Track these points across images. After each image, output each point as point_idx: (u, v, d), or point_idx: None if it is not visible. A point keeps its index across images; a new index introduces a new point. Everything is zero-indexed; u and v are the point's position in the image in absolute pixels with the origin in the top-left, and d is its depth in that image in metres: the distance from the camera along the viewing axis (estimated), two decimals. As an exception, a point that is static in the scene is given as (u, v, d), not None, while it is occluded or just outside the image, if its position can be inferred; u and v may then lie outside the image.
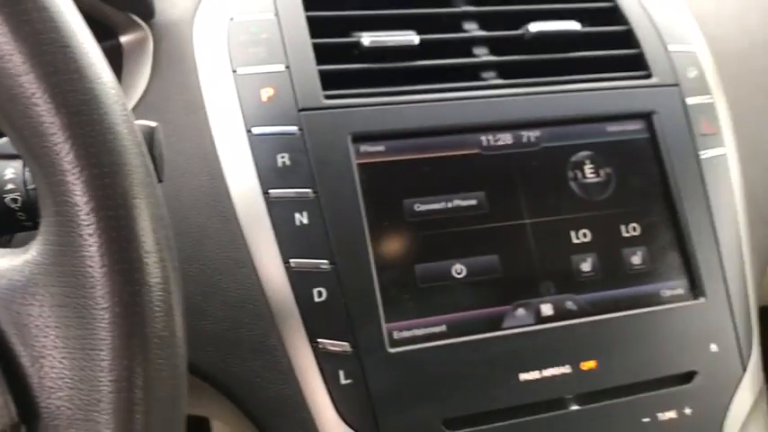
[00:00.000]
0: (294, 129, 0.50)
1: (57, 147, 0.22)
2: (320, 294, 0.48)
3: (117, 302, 0.24)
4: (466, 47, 0.58)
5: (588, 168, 0.56)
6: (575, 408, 0.51)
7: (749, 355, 0.55)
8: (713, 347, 0.54)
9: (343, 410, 0.47)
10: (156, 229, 0.25)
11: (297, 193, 0.49)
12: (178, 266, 0.27)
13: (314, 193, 0.49)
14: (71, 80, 0.23)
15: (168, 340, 0.26)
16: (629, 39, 0.60)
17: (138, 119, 0.51)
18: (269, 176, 0.49)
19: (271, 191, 0.49)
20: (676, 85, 0.59)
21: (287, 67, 0.51)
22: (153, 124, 0.35)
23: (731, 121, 0.62)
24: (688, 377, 0.53)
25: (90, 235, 0.23)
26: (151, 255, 0.25)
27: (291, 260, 0.48)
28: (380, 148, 0.52)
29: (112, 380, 0.24)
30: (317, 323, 0.48)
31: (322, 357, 0.48)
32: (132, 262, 0.24)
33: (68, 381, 0.24)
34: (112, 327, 0.24)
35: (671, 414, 0.52)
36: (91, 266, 0.23)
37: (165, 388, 0.26)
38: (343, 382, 0.47)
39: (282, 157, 0.49)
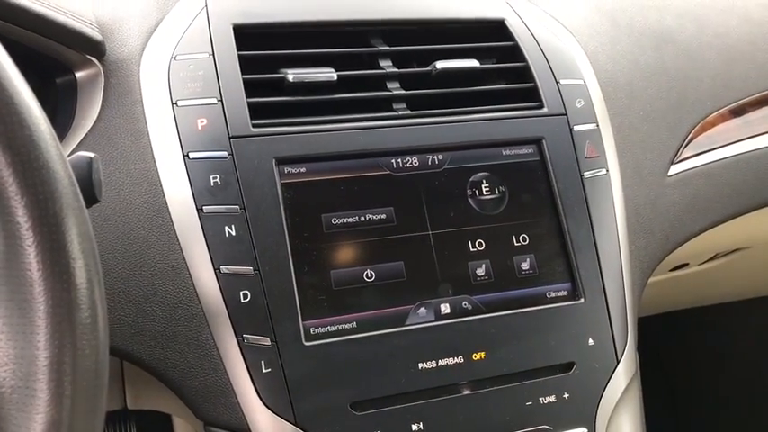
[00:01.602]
0: (225, 153, 0.58)
1: (2, 179, 0.30)
2: (245, 296, 0.56)
3: (50, 297, 0.32)
4: (380, 81, 0.66)
5: (485, 187, 0.65)
6: (466, 392, 0.59)
7: (623, 348, 0.64)
8: (590, 341, 0.63)
9: (264, 396, 0.55)
10: (82, 241, 0.33)
11: (226, 208, 0.57)
12: (101, 270, 0.35)
13: (241, 209, 0.57)
14: (14, 129, 0.31)
15: (91, 326, 0.34)
16: (525, 74, 0.69)
17: (89, 145, 0.60)
18: (203, 195, 0.57)
19: (204, 207, 0.57)
20: (564, 114, 0.68)
21: (219, 100, 0.60)
22: (91, 155, 0.43)
23: (615, 145, 0.71)
24: (567, 367, 0.62)
25: (29, 246, 0.31)
26: (77, 261, 0.33)
27: (221, 267, 0.56)
28: (302, 169, 0.60)
29: (47, 356, 0.32)
30: (242, 321, 0.56)
31: (246, 350, 0.56)
32: (62, 266, 0.32)
33: (12, 357, 0.32)
34: (47, 316, 0.32)
35: (551, 398, 0.61)
36: (30, 270, 0.31)
37: (88, 363, 0.33)
38: (264, 371, 0.55)
39: (214, 178, 0.58)
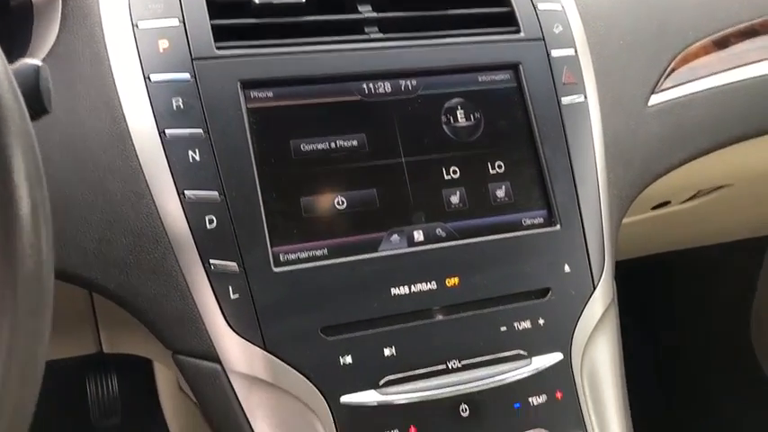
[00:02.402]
0: (187, 76, 0.56)
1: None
2: (211, 222, 0.55)
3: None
4: (351, 4, 0.64)
5: (460, 113, 0.63)
6: (439, 318, 0.58)
7: (600, 275, 0.63)
8: (566, 268, 0.62)
9: (233, 322, 0.54)
10: (27, 160, 0.32)
11: (190, 132, 0.55)
12: (45, 186, 0.34)
13: (205, 132, 0.55)
14: None
15: (37, 245, 0.33)
16: (502, -2, 0.67)
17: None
18: (165, 118, 0.55)
19: (167, 131, 0.55)
20: (542, 39, 0.66)
21: (182, 21, 0.57)
22: (38, 62, 0.41)
23: (594, 73, 0.69)
24: (543, 293, 0.61)
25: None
26: (22, 186, 0.32)
27: (186, 192, 0.55)
28: (269, 93, 0.59)
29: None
30: (208, 247, 0.55)
31: (213, 276, 0.54)
32: (7, 187, 0.31)
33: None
34: None
35: (526, 324, 0.60)
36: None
37: (34, 277, 0.32)
38: (232, 297, 0.54)
39: (177, 101, 0.56)
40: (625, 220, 0.97)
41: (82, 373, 1.23)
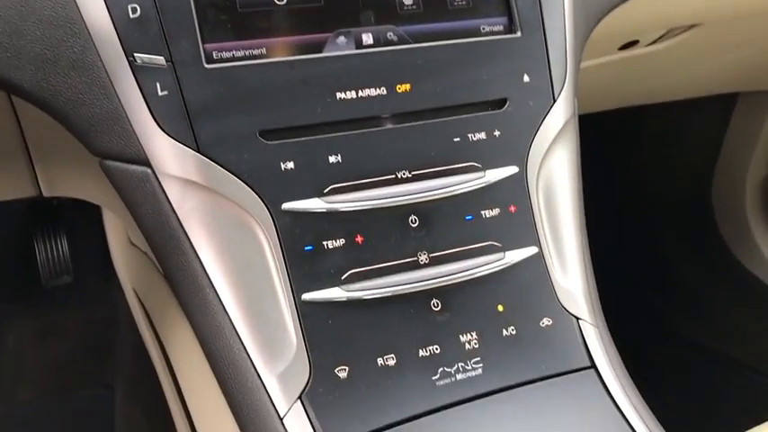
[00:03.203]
0: None
1: None
2: (135, 11, 0.49)
3: None
4: None
5: None
6: (389, 126, 0.55)
7: (561, 88, 0.60)
8: (526, 78, 0.58)
9: (162, 121, 0.50)
10: None
11: None
12: None
13: None
14: None
15: None
16: None
17: None
18: None
19: None
20: None
21: None
22: None
23: None
24: (500, 103, 0.57)
25: None
26: None
27: (104, -24, 0.49)
28: None
29: None
30: (132, 38, 0.49)
31: (139, 71, 0.49)
32: None
33: None
34: None
35: (481, 135, 0.57)
36: None
37: None
38: (160, 93, 0.50)
39: None
40: (592, 62, 0.93)
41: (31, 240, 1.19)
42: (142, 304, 1.00)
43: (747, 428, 0.77)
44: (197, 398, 0.72)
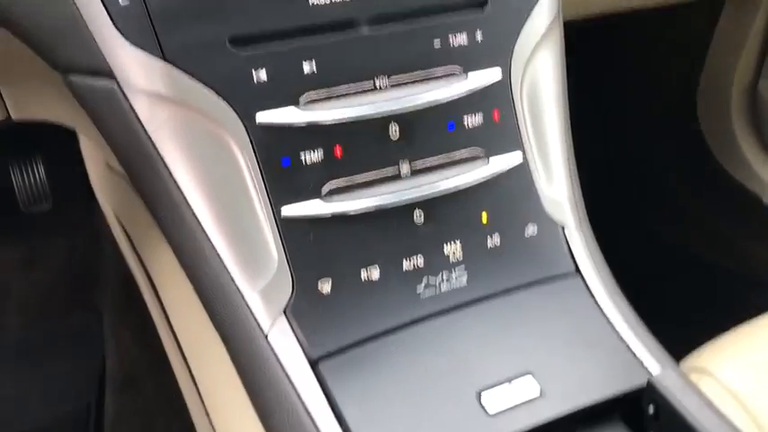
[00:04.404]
0: None
1: None
2: None
3: None
4: None
5: None
6: (365, 30, 0.52)
7: (544, -12, 0.57)
8: (507, -24, 0.56)
9: (124, 29, 0.47)
10: None
11: None
12: None
13: None
14: None
15: None
16: None
17: None
18: None
19: None
20: None
21: None
22: None
23: None
24: (481, 3, 0.55)
25: None
26: None
27: None
28: None
29: None
30: (87, -60, 0.46)
31: (98, -25, 0.46)
32: None
33: None
34: None
35: (462, 38, 0.54)
36: None
37: None
38: (121, 3, 0.47)
39: None
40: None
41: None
42: (125, 230, 0.99)
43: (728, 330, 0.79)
44: (183, 320, 0.72)
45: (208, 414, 0.65)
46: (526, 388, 0.48)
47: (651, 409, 0.47)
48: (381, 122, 0.52)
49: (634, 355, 0.51)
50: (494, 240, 0.55)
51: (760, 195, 1.24)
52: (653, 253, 1.37)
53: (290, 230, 0.50)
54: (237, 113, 0.49)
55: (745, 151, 1.29)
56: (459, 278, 0.53)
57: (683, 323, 0.91)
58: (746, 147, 1.29)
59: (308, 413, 0.46)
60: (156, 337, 0.85)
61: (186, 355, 0.71)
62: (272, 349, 0.48)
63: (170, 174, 0.50)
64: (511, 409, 0.46)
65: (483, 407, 0.46)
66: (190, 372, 0.70)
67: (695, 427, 0.44)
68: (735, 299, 1.11)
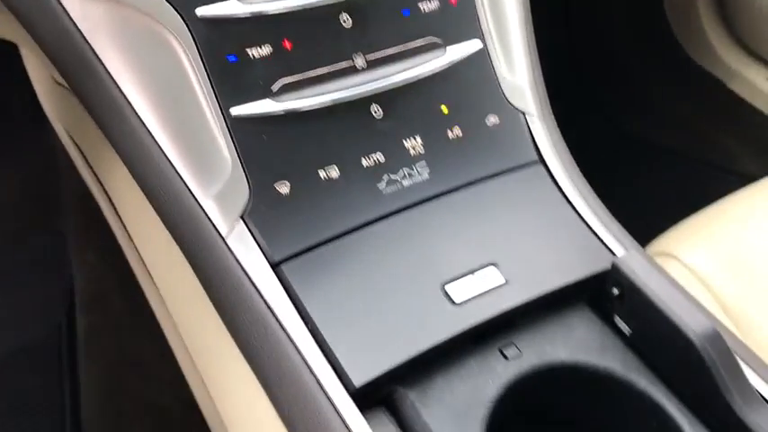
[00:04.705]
0: None
1: None
2: None
3: None
4: None
5: None
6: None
7: None
8: None
9: None
10: None
11: None
12: None
13: None
14: None
15: None
16: None
17: None
18: None
19: None
20: None
21: None
22: None
23: None
24: None
25: None
26: None
27: None
28: None
29: None
30: None
31: None
32: None
33: None
34: None
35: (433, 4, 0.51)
36: None
37: None
38: None
39: None
40: None
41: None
42: (78, 146, 0.95)
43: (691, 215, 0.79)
44: (144, 236, 0.70)
45: (178, 329, 0.65)
46: (491, 278, 0.48)
47: (616, 291, 0.47)
48: (331, 10, 0.49)
49: (598, 239, 0.51)
50: (455, 132, 0.53)
51: (725, 81, 1.23)
52: (616, 140, 1.37)
53: (241, 132, 0.48)
54: (175, 8, 0.46)
55: (711, 38, 1.27)
56: (421, 172, 0.52)
57: (647, 211, 0.91)
58: (712, 34, 1.27)
59: (274, 315, 0.45)
60: (121, 254, 0.83)
61: (151, 271, 0.70)
62: (233, 254, 0.47)
63: (111, 78, 0.47)
64: (477, 297, 0.46)
65: (449, 297, 0.46)
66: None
67: (659, 306, 0.44)
68: (698, 185, 1.12)
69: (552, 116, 0.58)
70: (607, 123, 1.40)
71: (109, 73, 0.47)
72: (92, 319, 0.97)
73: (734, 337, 0.48)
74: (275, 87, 0.48)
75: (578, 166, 0.58)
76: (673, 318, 0.43)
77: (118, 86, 0.47)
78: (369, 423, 0.42)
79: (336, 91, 0.50)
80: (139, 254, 0.72)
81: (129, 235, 0.76)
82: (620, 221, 0.55)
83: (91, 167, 0.90)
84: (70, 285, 1.03)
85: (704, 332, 0.42)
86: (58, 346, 0.96)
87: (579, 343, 0.47)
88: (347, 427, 0.41)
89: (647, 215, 0.83)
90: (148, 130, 0.48)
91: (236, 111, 0.48)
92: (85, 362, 0.95)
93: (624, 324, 0.47)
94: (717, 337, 0.42)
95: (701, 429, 0.44)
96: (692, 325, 0.43)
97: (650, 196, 1.24)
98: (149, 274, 0.71)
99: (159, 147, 0.48)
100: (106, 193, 0.84)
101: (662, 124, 1.33)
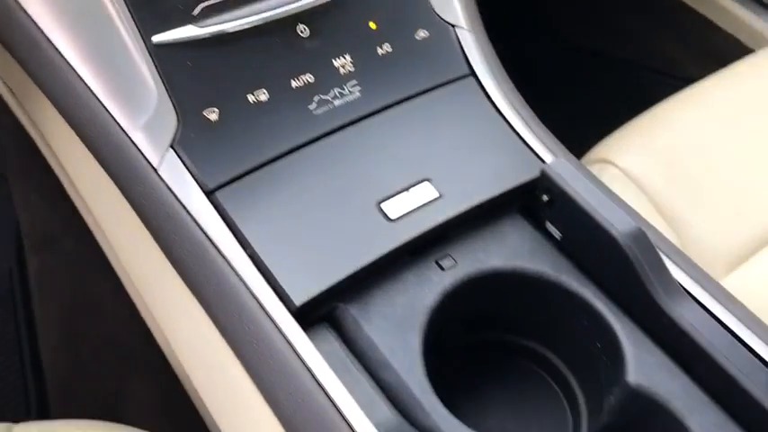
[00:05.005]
0: None
1: None
2: None
3: None
4: None
5: None
6: None
7: None
8: None
9: None
10: None
11: None
12: None
13: None
14: None
15: None
16: None
17: None
18: None
19: None
20: None
21: None
22: None
23: None
24: None
25: None
26: None
27: None
28: None
29: None
30: None
31: None
32: None
33: None
34: None
35: None
36: None
37: None
38: None
39: None
40: None
41: None
42: (9, 87, 0.92)
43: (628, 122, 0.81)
44: (81, 172, 0.69)
45: (125, 264, 0.65)
46: (425, 193, 0.48)
47: (545, 198, 0.48)
48: None
49: (529, 148, 0.52)
50: (384, 48, 0.53)
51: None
52: (559, 51, 1.37)
53: (165, 59, 0.47)
54: None
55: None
56: (353, 91, 0.51)
57: (591, 120, 0.92)
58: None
59: (212, 242, 0.46)
60: (65, 193, 0.82)
61: (92, 207, 0.69)
62: (166, 184, 0.47)
63: (25, 12, 0.46)
64: (411, 212, 0.47)
65: (384, 214, 0.47)
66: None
67: (585, 209, 0.46)
68: (639, 91, 1.13)
69: (482, 28, 0.57)
70: (549, 34, 1.39)
71: (22, 6, 0.45)
72: (42, 259, 0.96)
73: (659, 234, 0.50)
74: (196, 11, 0.47)
75: (519, 77, 0.58)
76: (598, 218, 0.45)
77: (33, 20, 0.46)
78: (313, 340, 0.43)
79: (260, 14, 0.48)
80: (80, 190, 0.72)
81: (67, 172, 0.74)
82: (563, 131, 0.56)
83: (23, 107, 0.87)
84: (17, 229, 1.01)
85: (627, 230, 0.44)
86: (10, 290, 0.95)
87: (512, 250, 0.48)
88: (290, 343, 0.42)
89: (591, 125, 0.84)
90: (68, 63, 0.46)
91: (158, 38, 0.47)
92: (40, 303, 0.94)
93: (555, 229, 0.49)
94: (640, 234, 0.44)
95: (628, 324, 0.46)
96: (615, 224, 0.44)
97: (594, 105, 1.25)
98: (92, 211, 0.70)
99: (82, 80, 0.47)
100: (40, 131, 0.82)
101: (607, 35, 1.32)
